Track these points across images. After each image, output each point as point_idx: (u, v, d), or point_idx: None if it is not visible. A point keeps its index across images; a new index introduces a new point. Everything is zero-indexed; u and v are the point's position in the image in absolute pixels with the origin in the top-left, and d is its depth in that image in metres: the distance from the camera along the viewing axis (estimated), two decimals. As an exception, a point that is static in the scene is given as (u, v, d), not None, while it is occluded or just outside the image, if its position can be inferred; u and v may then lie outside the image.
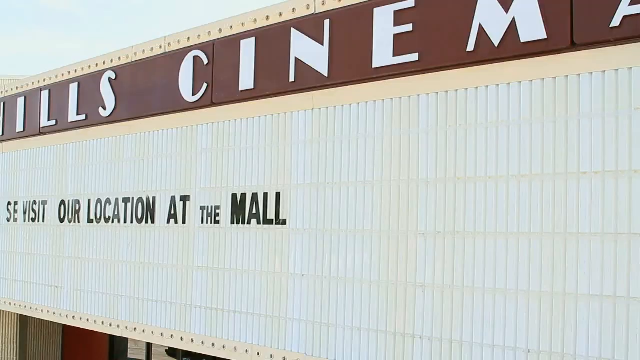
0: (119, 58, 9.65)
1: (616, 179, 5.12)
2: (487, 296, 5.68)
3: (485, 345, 5.66)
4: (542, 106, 5.51)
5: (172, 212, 8.56)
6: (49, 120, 10.94)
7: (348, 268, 6.64)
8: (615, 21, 5.18)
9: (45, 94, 11.07)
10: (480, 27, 5.89)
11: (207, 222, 8.08)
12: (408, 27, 6.39)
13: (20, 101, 11.67)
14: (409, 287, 6.15)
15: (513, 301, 5.53)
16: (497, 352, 5.59)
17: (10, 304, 11.80)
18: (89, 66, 10.20)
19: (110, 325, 9.39)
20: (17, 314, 14.48)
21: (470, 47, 5.94)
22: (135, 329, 8.95)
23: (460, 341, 5.80)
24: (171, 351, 14.95)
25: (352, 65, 6.83)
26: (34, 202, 11.25)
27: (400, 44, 6.43)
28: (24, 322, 15.08)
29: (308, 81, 7.19)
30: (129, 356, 16.37)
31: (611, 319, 5.08)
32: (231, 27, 8.05)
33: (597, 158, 5.22)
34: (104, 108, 9.77)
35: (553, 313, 5.34)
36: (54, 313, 10.61)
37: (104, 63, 9.89)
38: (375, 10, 6.63)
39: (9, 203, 11.91)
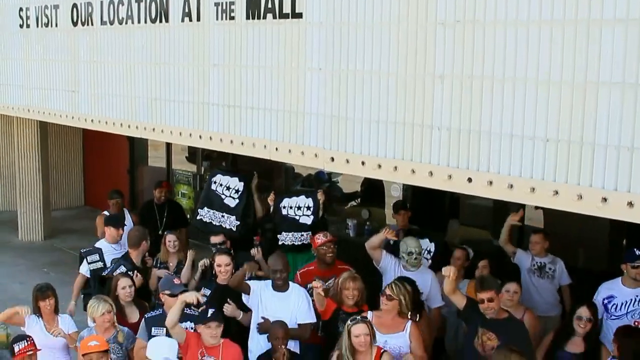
0: None
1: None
2: (507, 86, 5.60)
3: (504, 135, 5.64)
4: None
5: (186, 10, 8.37)
6: None
7: (366, 60, 6.53)
8: None
9: None
10: None
11: (222, 19, 7.92)
12: None
13: None
14: (428, 78, 6.07)
15: (533, 90, 5.46)
16: (515, 142, 5.58)
17: (29, 110, 11.88)
18: None
19: (129, 127, 9.45)
20: (37, 122, 14.61)
21: None
22: (154, 129, 9.00)
23: (479, 131, 5.78)
24: (191, 158, 15.17)
25: None
26: (46, 7, 11.06)
27: None
28: (44, 130, 15.22)
29: None
30: (149, 164, 16.63)
31: (632, 107, 5.00)
32: None
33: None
34: None
35: (573, 102, 5.26)
36: (73, 117, 10.69)
37: None
38: None
39: (21, 9, 11.73)
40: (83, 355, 6.40)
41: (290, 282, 7.62)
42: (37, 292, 7.66)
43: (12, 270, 13.42)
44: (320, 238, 8.09)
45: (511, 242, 8.43)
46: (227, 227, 9.29)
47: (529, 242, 8.36)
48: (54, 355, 7.33)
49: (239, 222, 9.30)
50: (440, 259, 8.36)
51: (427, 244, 8.71)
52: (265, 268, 8.20)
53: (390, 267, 8.09)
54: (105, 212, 10.55)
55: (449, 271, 6.83)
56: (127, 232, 9.17)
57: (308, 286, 7.94)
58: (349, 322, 6.47)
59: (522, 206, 8.29)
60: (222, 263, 7.83)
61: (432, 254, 8.68)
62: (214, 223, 9.38)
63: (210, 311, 6.76)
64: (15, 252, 14.73)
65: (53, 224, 16.01)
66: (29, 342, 6.54)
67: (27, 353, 6.47)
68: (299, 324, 7.40)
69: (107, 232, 9.18)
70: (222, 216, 9.27)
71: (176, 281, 7.36)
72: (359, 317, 6.47)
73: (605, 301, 7.47)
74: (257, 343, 7.36)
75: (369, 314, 7.11)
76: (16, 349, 6.45)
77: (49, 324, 7.58)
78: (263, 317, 7.38)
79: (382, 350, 6.50)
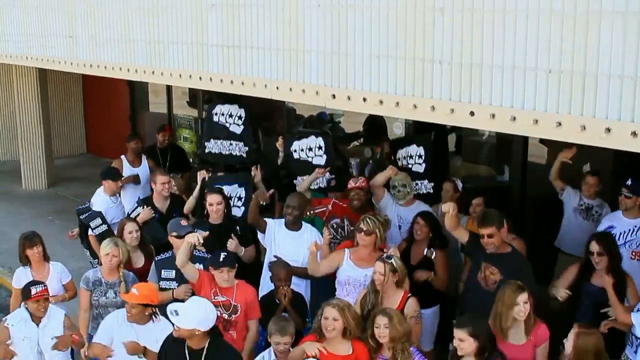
0: None
1: None
2: (508, 17, 5.52)
3: (506, 67, 5.58)
4: None
5: (182, -50, 8.26)
6: None
7: (365, -5, 6.44)
8: None
9: None
10: None
11: (218, -44, 7.81)
12: None
13: None
14: (428, 12, 5.98)
15: (534, 21, 5.38)
16: (517, 74, 5.52)
17: (27, 58, 11.78)
18: None
19: (128, 70, 9.38)
20: (36, 71, 14.56)
21: None
22: (153, 72, 8.93)
23: (480, 64, 5.72)
24: (192, 102, 15.14)
25: None
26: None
27: None
28: (44, 78, 15.17)
29: None
30: (150, 110, 16.60)
31: (635, 36, 4.93)
32: None
33: None
34: None
35: (576, 32, 5.18)
36: (72, 63, 10.60)
37: None
38: None
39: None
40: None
41: (303, 222, 7.67)
42: (23, 240, 7.68)
43: (17, 219, 13.49)
44: (351, 183, 8.12)
45: (561, 178, 8.40)
46: (237, 154, 9.40)
47: (583, 182, 8.32)
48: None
49: (247, 148, 9.40)
50: (435, 166, 8.56)
51: (416, 149, 8.76)
52: (261, 192, 8.23)
53: (389, 205, 8.14)
54: (122, 157, 10.56)
55: (448, 207, 6.87)
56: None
57: (332, 220, 8.01)
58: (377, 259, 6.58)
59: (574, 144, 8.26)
60: (214, 202, 7.89)
61: (423, 158, 8.73)
62: (224, 153, 9.44)
63: (222, 255, 6.78)
64: (20, 201, 14.81)
65: (56, 172, 16.07)
66: (44, 287, 6.61)
67: (44, 296, 6.52)
68: None
69: (106, 185, 9.19)
70: (230, 144, 9.35)
71: (183, 222, 7.38)
72: (385, 256, 6.54)
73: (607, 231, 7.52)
74: (269, 282, 7.42)
75: (346, 252, 7.16)
76: (33, 291, 6.49)
77: (38, 272, 7.63)
78: (275, 256, 7.43)
79: (408, 295, 6.55)
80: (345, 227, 8.07)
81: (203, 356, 5.52)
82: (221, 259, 6.68)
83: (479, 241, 6.79)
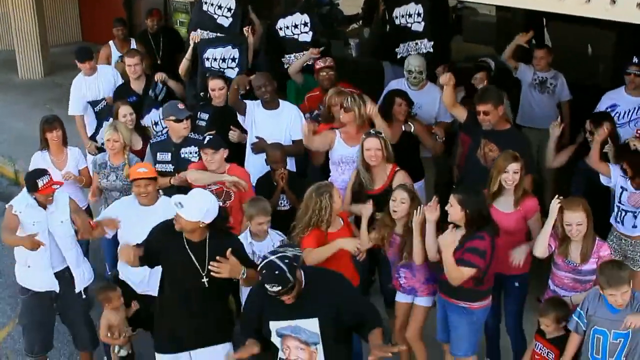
0: None
1: None
2: None
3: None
4: None
5: None
6: None
7: None
8: None
9: None
10: None
11: None
12: None
13: None
14: None
15: None
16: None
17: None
18: None
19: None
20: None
21: None
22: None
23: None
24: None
25: None
26: None
27: None
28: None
29: None
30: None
31: None
32: None
33: None
34: None
35: None
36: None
37: None
38: None
39: None
40: (131, 181, 6.41)
41: (281, 100, 7.61)
42: (44, 124, 7.58)
43: (14, 108, 13.40)
44: (319, 63, 8.02)
45: (514, 58, 8.35)
46: None
47: (533, 57, 8.33)
48: (64, 189, 6.87)
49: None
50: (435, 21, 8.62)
51: (415, 7, 8.73)
52: (241, 77, 8.07)
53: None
54: (110, 43, 10.40)
55: (447, 77, 6.81)
56: None
57: (315, 112, 7.94)
58: (363, 136, 6.52)
59: (531, 27, 8.29)
60: (216, 87, 7.88)
61: (422, 16, 8.71)
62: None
63: (208, 137, 6.71)
64: (17, 91, 14.66)
65: (51, 60, 15.84)
66: (49, 177, 6.23)
67: (53, 187, 6.21)
68: (293, 141, 7.43)
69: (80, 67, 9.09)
70: (216, 36, 9.08)
71: (180, 106, 7.31)
72: (372, 131, 6.51)
73: (609, 109, 7.45)
74: (253, 164, 7.43)
75: (336, 132, 7.11)
76: (40, 184, 6.11)
77: (56, 156, 7.58)
78: (257, 137, 7.41)
79: (396, 169, 6.55)
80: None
81: (207, 248, 5.29)
82: (205, 141, 6.66)
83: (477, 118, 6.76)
